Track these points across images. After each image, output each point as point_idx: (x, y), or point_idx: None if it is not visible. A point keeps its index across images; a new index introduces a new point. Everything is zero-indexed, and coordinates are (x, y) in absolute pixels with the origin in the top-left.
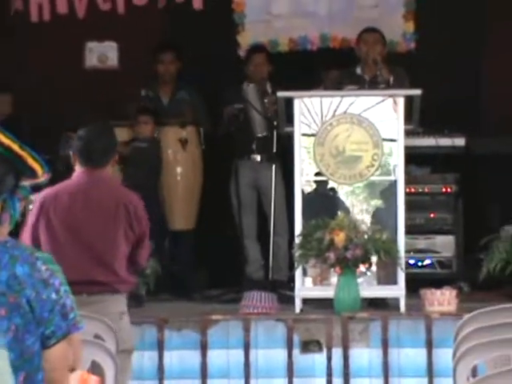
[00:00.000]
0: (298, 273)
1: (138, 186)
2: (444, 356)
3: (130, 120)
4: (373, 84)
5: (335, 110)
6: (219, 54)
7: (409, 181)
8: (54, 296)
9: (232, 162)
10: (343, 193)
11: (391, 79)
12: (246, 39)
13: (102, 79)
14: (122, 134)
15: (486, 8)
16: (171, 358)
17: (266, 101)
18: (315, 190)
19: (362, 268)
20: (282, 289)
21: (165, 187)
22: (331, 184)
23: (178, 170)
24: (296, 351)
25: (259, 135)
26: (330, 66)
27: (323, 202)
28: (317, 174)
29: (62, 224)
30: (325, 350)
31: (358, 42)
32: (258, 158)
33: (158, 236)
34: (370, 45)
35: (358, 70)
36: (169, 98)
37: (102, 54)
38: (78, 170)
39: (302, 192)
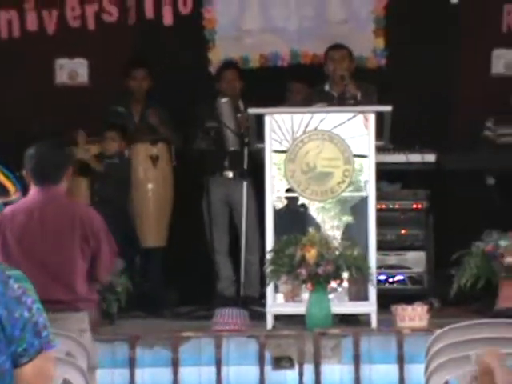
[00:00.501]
0: (270, 289)
1: (108, 201)
2: (415, 372)
3: (99, 136)
4: (341, 100)
5: (306, 127)
6: (190, 70)
7: (380, 197)
8: (26, 314)
9: (203, 178)
10: (314, 209)
11: (358, 95)
12: (217, 56)
13: (72, 96)
14: (94, 149)
15: (458, 25)
16: (143, 375)
17: (238, 116)
18: (286, 206)
19: (334, 284)
20: (254, 305)
21: (136, 204)
22: (302, 200)
23: (149, 186)
24: (268, 367)
25: (231, 149)
26: (300, 81)
27: (294, 218)
28: (288, 191)
29: (19, 243)
30: (296, 366)
31: (325, 59)
32: (231, 174)
33: (129, 253)
34: (336, 61)
35: (327, 87)
36: (140, 115)
37: (73, 70)
38: (33, 188)
39: (274, 208)
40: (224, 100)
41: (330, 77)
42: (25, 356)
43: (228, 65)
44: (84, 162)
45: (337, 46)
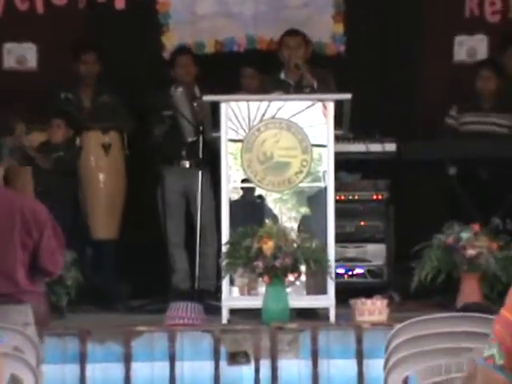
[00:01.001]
0: (226, 282)
1: (53, 192)
2: (374, 367)
3: (45, 124)
4: (298, 89)
5: (263, 115)
6: (143, 55)
7: (339, 188)
8: None
9: (158, 167)
10: (271, 200)
11: (315, 84)
12: (171, 40)
13: (20, 81)
14: (40, 137)
15: (420, 10)
16: (94, 370)
17: (195, 105)
18: (242, 197)
19: (291, 277)
20: (209, 299)
21: (86, 195)
22: (259, 191)
23: (101, 176)
24: (223, 363)
25: (188, 140)
26: (253, 66)
27: (251, 209)
28: (244, 181)
29: None
30: (253, 362)
31: (280, 45)
32: (187, 164)
33: (79, 245)
34: (291, 48)
35: (282, 75)
36: (90, 102)
37: (21, 55)
38: None
39: (230, 199)
40: (179, 90)
41: (286, 64)
42: None
43: (182, 50)
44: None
45: (292, 32)
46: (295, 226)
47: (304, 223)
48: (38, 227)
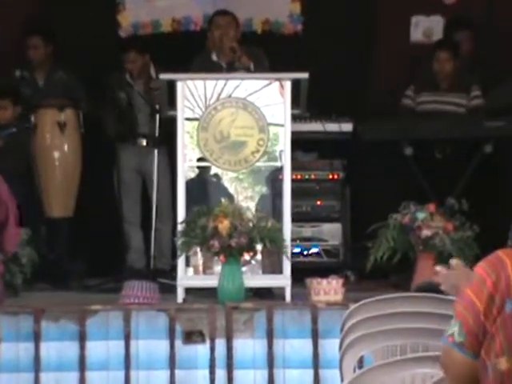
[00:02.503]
0: (181, 261)
1: (8, 171)
2: (330, 347)
3: None
4: (231, 70)
5: (219, 94)
6: (99, 34)
7: (295, 167)
8: None
9: (114, 145)
10: (227, 179)
11: (251, 66)
12: (126, 19)
13: None
14: None
15: None
16: (48, 349)
17: (150, 87)
18: (198, 176)
19: (247, 256)
20: (164, 278)
21: (41, 173)
22: (214, 170)
23: (56, 154)
24: (178, 342)
25: (143, 131)
26: None
27: (206, 188)
28: (200, 160)
29: None
30: (208, 341)
31: (210, 26)
32: (144, 142)
33: (34, 223)
34: (222, 29)
35: (214, 57)
36: (44, 79)
37: None
38: None
39: (186, 178)
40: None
41: (217, 46)
42: None
43: (128, 48)
44: None
45: (222, 12)
46: (251, 205)
47: (261, 202)
48: (1, 207)
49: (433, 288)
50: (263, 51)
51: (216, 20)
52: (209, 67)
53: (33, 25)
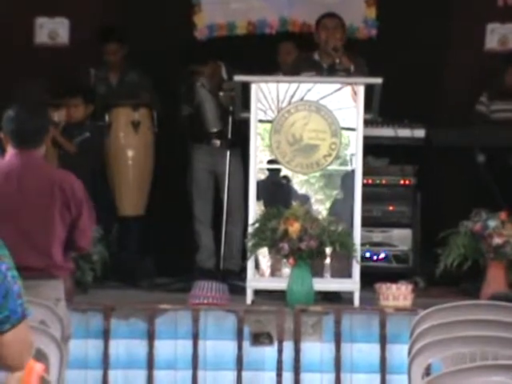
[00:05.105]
0: (251, 263)
1: (82, 170)
2: (397, 352)
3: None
4: (331, 71)
5: (292, 97)
6: (175, 34)
7: (366, 172)
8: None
9: (187, 145)
10: (297, 181)
11: (352, 68)
12: (202, 20)
13: (52, 56)
14: (59, 116)
15: None
16: (117, 347)
17: (220, 94)
18: (268, 177)
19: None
20: (234, 279)
21: (114, 172)
22: (284, 172)
23: (129, 153)
24: (246, 343)
25: (213, 130)
26: (290, 42)
27: (277, 190)
28: (270, 162)
29: None
30: (276, 343)
31: (317, 27)
32: (218, 142)
33: (106, 222)
34: (329, 31)
35: (316, 56)
36: (118, 79)
37: (53, 30)
38: (11, 151)
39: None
40: (202, 83)
41: (321, 47)
42: (7, 323)
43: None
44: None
45: (330, 15)
46: (321, 208)
47: (331, 206)
48: (76, 204)
49: (509, 298)
50: (364, 61)
51: (323, 22)
52: (310, 65)
53: (109, 31)
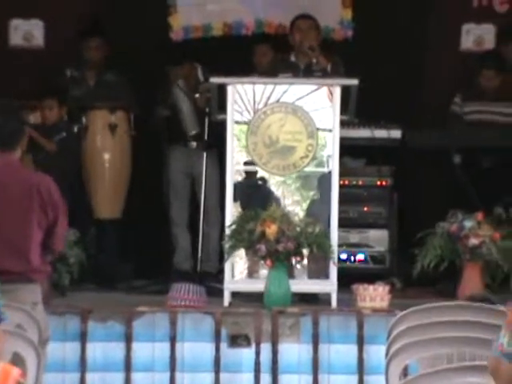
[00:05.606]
0: (228, 265)
1: (58, 173)
2: (375, 353)
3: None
4: (308, 72)
5: (268, 98)
6: (151, 35)
7: (343, 173)
8: None
9: (164, 147)
10: (274, 182)
11: (329, 67)
12: (178, 22)
13: (27, 58)
14: (34, 118)
15: None
16: (94, 349)
17: (196, 96)
18: (244, 179)
19: (293, 261)
20: (211, 281)
21: (91, 174)
22: (261, 173)
23: (106, 156)
24: (224, 345)
25: (191, 133)
26: (266, 44)
27: (253, 191)
28: (246, 163)
29: None
30: (253, 345)
31: (291, 29)
32: (194, 144)
33: (83, 225)
34: (303, 32)
35: (292, 58)
36: (95, 80)
37: (28, 32)
38: None
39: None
40: (178, 85)
41: (296, 47)
42: None
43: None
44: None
45: (304, 16)
46: (298, 209)
47: (308, 207)
48: (53, 207)
49: (486, 299)
50: (340, 60)
51: (297, 23)
52: (287, 66)
53: (93, 25)
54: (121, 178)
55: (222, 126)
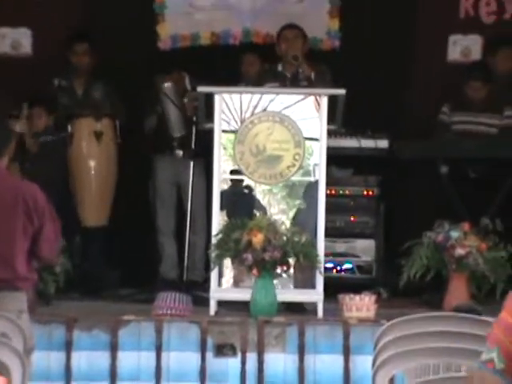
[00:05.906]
0: (214, 274)
1: (44, 180)
2: (361, 363)
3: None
4: (294, 81)
5: (255, 107)
6: (138, 44)
7: (330, 182)
8: None
9: (150, 156)
10: (260, 191)
11: (312, 75)
12: (166, 31)
13: (14, 67)
14: (20, 126)
15: (415, 9)
16: (80, 359)
17: (185, 100)
18: (230, 187)
19: (278, 270)
20: (197, 290)
21: (76, 182)
22: (247, 182)
23: (91, 164)
24: (209, 354)
25: (176, 135)
26: (253, 53)
27: (239, 200)
28: (233, 172)
29: None
30: (239, 354)
31: (278, 39)
32: (181, 153)
33: (69, 233)
34: (289, 42)
35: (280, 68)
36: (83, 89)
37: (15, 40)
38: None
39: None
40: (167, 85)
41: (283, 57)
42: None
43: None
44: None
45: (290, 26)
46: (284, 218)
47: (295, 217)
48: (39, 215)
49: (473, 310)
50: (327, 68)
51: (283, 33)
52: (274, 76)
53: (82, 31)
54: (107, 186)
55: (209, 134)
